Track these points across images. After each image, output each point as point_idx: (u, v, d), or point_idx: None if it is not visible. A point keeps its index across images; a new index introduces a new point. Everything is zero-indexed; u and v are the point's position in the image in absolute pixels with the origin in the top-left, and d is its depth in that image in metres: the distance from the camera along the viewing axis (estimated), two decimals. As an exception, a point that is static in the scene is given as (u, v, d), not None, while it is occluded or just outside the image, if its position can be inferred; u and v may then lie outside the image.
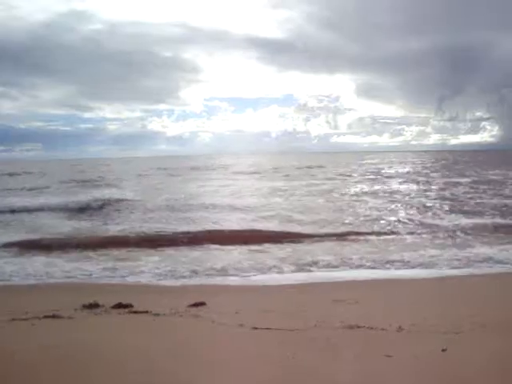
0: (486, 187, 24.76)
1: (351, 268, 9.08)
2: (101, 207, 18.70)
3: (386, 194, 22.84)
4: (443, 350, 4.02)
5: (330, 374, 3.65)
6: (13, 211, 17.88)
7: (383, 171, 45.44)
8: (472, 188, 24.61)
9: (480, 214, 15.70)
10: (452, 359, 3.87)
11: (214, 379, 3.58)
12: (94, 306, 6.02)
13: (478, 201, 19.19)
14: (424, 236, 12.27)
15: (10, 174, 48.15)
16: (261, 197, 22.39)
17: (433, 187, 26.18)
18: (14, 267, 9.30)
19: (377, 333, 4.66)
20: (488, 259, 9.43)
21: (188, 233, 12.87)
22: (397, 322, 4.90)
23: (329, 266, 9.23)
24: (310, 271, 8.86)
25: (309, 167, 53.55)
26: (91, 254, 10.53)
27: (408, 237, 12.22)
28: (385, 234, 12.71)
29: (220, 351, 4.23)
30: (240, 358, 4.03)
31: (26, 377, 3.66)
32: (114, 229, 14.00)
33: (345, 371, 3.69)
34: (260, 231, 13.27)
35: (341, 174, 40.54)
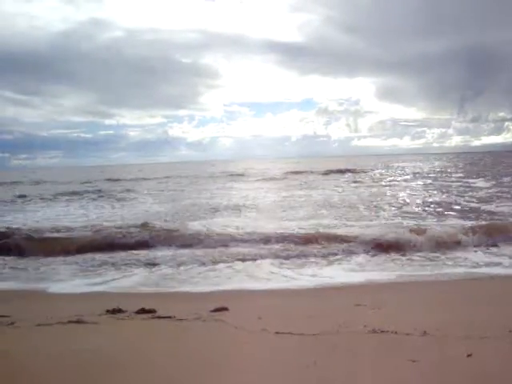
0: None
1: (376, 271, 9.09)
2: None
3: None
4: (469, 356, 3.95)
5: (353, 379, 3.62)
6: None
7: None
8: None
9: None
10: (477, 365, 3.80)
11: (238, 384, 3.59)
12: (117, 311, 6.09)
13: None
14: None
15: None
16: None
17: None
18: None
19: (401, 337, 4.60)
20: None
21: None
22: (421, 327, 4.83)
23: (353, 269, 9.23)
24: (332, 275, 8.85)
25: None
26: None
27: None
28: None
29: (243, 356, 4.24)
30: (263, 363, 4.03)
31: (49, 382, 3.71)
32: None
33: (368, 376, 3.66)
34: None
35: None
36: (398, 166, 65.35)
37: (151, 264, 10.29)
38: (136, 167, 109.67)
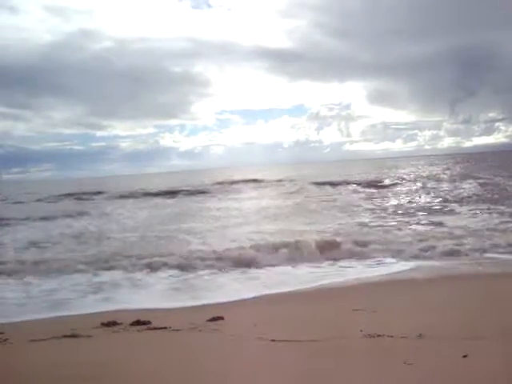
0: None
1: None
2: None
3: None
4: (464, 357, 3.97)
5: (351, 384, 3.64)
6: None
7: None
8: None
9: None
10: (473, 366, 3.82)
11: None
12: (112, 323, 6.05)
13: None
14: None
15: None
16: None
17: None
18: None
19: (397, 341, 4.62)
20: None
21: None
22: (417, 329, 4.85)
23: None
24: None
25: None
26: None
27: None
28: None
29: (240, 365, 4.22)
30: (259, 371, 4.02)
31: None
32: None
33: (364, 381, 3.67)
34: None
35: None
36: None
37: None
38: (129, 178, 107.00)
